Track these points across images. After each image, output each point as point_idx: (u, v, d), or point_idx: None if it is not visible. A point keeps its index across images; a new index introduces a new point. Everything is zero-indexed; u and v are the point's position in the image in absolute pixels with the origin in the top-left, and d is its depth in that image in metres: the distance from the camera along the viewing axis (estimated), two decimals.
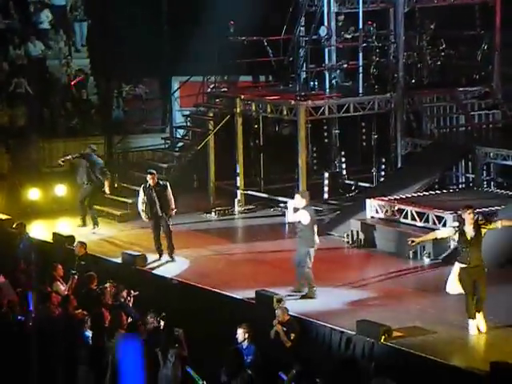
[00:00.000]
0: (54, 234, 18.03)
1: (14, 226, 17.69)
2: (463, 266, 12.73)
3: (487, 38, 20.86)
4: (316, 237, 14.50)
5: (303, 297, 14.40)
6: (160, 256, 16.64)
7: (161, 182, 16.76)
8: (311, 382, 11.03)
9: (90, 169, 18.72)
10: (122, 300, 13.69)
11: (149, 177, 16.61)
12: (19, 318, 13.09)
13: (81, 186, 18.87)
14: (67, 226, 18.98)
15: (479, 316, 12.78)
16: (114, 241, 18.06)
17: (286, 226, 18.27)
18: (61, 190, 20.23)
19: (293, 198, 19.29)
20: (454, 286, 12.94)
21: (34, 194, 20.22)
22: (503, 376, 11.37)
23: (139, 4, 23.40)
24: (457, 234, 12.78)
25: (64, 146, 19.28)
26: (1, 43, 23.94)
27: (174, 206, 16.59)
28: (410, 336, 12.84)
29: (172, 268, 16.20)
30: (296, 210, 14.54)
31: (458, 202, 17.25)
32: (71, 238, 17.46)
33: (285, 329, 12.96)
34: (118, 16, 22.41)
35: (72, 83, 23.68)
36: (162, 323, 12.62)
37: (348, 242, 17.33)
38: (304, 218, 14.41)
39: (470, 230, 12.69)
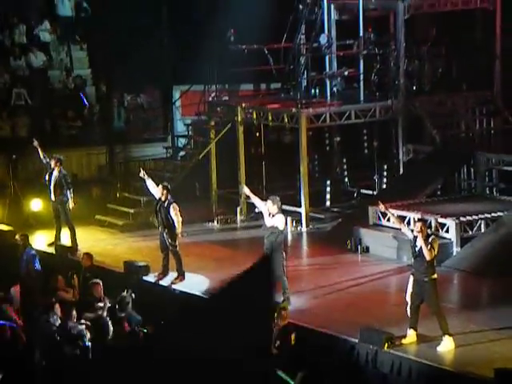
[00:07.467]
0: (57, 245, 18.00)
1: (16, 237, 17.59)
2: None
3: (488, 44, 20.85)
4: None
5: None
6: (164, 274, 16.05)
7: (169, 199, 15.58)
8: None
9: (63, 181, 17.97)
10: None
11: (160, 188, 15.80)
12: None
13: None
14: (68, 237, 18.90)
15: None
16: (117, 251, 18.02)
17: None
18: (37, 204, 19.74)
19: (295, 205, 19.46)
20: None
21: (36, 204, 20.16)
22: (508, 382, 11.34)
23: (140, 14, 23.42)
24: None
25: (65, 155, 19.19)
26: (1, 54, 23.99)
27: (179, 230, 15.58)
28: (413, 343, 12.80)
29: (173, 277, 16.13)
30: (271, 215, 14.52)
31: (460, 208, 17.25)
32: (74, 249, 17.44)
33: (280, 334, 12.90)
34: (119, 26, 22.44)
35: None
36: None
37: (350, 250, 17.29)
38: (281, 223, 14.47)
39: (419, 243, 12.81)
